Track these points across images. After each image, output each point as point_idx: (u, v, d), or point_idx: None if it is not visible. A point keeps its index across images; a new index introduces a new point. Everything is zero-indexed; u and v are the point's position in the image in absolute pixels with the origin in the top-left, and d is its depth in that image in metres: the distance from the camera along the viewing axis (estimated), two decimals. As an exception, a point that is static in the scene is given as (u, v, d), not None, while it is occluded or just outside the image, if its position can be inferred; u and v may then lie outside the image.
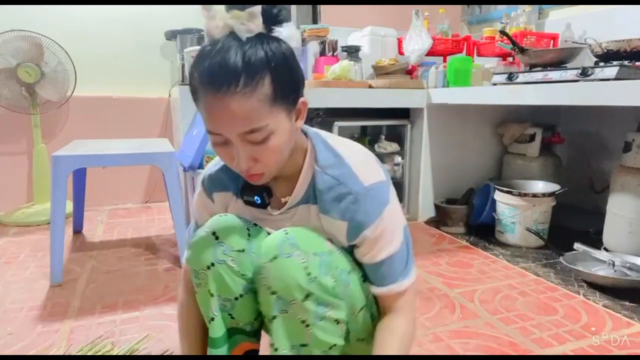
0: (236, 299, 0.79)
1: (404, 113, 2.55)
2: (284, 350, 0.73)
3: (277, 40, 0.68)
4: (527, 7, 2.47)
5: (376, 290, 0.79)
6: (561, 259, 1.76)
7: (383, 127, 2.59)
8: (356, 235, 0.76)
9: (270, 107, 0.66)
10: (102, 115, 2.75)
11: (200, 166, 1.80)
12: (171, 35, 2.69)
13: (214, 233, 0.78)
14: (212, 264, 0.77)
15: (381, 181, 0.76)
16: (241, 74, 0.63)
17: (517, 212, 2.05)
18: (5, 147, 2.60)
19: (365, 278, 0.81)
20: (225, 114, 0.64)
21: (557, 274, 1.77)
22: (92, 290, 1.60)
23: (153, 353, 1.21)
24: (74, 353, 1.19)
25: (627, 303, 1.51)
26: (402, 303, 0.80)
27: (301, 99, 0.73)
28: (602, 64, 1.72)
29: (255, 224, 0.84)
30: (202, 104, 0.67)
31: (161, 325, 1.35)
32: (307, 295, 0.71)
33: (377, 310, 0.83)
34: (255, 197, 0.80)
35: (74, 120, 2.71)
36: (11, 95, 2.38)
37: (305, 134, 0.81)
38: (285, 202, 0.81)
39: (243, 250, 0.78)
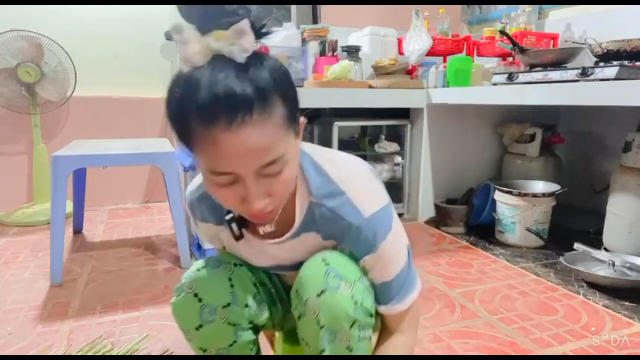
0: (231, 345, 0.80)
1: (404, 113, 2.55)
2: None
3: (270, 56, 0.61)
4: (527, 7, 2.47)
5: (378, 308, 0.77)
6: (561, 259, 1.76)
7: (383, 127, 2.59)
8: (359, 259, 0.74)
9: (285, 132, 0.60)
10: (102, 115, 2.75)
11: (200, 166, 1.80)
12: (171, 35, 2.68)
13: (195, 295, 0.75)
14: (201, 325, 0.76)
15: (382, 207, 0.72)
16: (254, 100, 0.55)
17: (517, 212, 2.05)
18: (5, 147, 2.60)
19: None
20: (241, 149, 0.56)
21: (557, 274, 1.77)
22: (92, 290, 1.60)
23: (153, 353, 1.21)
24: (74, 353, 1.19)
25: (627, 303, 1.51)
26: (405, 322, 0.79)
27: (301, 118, 0.67)
28: (602, 64, 1.72)
29: (236, 265, 0.81)
30: (204, 142, 0.56)
31: (161, 325, 1.35)
32: (354, 322, 0.70)
33: None
34: (234, 228, 0.74)
35: (74, 120, 2.71)
36: (11, 95, 2.38)
37: None
38: (286, 230, 0.75)
39: (229, 305, 0.76)
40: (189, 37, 0.57)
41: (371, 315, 0.74)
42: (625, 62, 1.65)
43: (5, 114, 2.47)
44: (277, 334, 1.07)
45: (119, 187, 2.84)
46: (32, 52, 2.34)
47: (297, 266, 0.76)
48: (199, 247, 1.92)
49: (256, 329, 0.85)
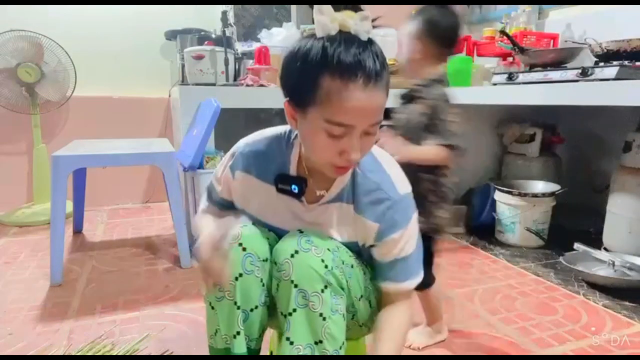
0: (251, 310, 0.81)
1: (404, 113, 2.54)
2: (300, 345, 0.75)
3: (375, 41, 0.73)
4: (527, 7, 2.47)
5: (390, 286, 0.84)
6: (561, 259, 1.76)
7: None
8: (385, 237, 0.80)
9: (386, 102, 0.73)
10: (102, 115, 2.75)
11: (201, 166, 1.80)
12: (171, 35, 2.69)
13: (240, 244, 0.80)
14: (241, 274, 0.79)
15: (411, 192, 0.84)
16: (382, 70, 0.69)
17: (517, 212, 2.05)
18: (5, 147, 2.60)
19: (371, 276, 0.87)
20: (367, 106, 0.68)
21: (557, 274, 1.76)
22: (92, 290, 1.60)
23: (153, 353, 1.21)
24: (74, 353, 1.19)
25: (627, 303, 1.51)
26: (406, 298, 0.86)
27: None
28: (602, 64, 1.71)
29: (270, 230, 0.86)
30: (335, 95, 0.67)
31: (161, 325, 1.35)
32: (326, 286, 0.75)
33: (375, 298, 0.88)
34: (293, 186, 0.81)
35: (74, 120, 2.71)
36: (11, 95, 2.38)
37: None
38: (321, 196, 0.82)
39: (266, 260, 0.81)
40: (324, 9, 0.67)
41: (342, 288, 0.78)
42: (625, 62, 1.65)
43: (5, 114, 2.47)
44: (273, 334, 1.07)
45: (119, 187, 2.84)
46: (32, 52, 2.34)
47: None
48: (199, 247, 1.92)
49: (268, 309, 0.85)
